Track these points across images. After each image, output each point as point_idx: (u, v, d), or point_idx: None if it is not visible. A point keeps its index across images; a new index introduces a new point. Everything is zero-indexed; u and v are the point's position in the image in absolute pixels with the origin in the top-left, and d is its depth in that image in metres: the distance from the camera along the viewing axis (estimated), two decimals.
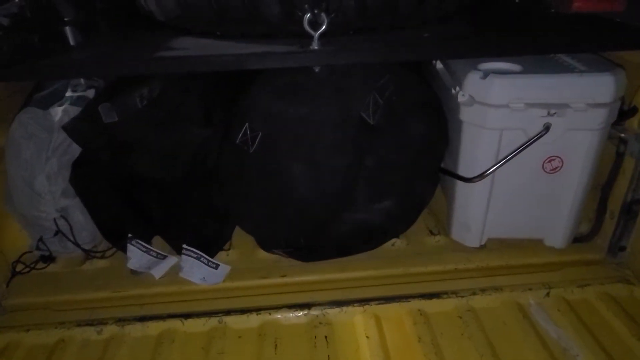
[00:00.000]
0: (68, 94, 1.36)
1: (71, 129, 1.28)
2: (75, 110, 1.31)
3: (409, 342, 1.14)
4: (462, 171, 1.31)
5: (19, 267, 1.40)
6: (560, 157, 1.25)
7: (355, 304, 1.23)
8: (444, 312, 1.22)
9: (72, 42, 1.16)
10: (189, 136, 1.30)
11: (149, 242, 1.42)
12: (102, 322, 1.22)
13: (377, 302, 1.23)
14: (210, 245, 1.40)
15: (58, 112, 1.31)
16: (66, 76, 1.34)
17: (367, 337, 1.15)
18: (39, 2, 1.08)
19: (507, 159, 1.22)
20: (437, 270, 1.36)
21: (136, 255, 1.38)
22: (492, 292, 1.25)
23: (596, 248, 1.40)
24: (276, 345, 1.15)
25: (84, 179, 1.35)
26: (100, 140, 1.29)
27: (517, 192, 1.31)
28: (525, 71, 1.20)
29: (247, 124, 1.23)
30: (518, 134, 1.21)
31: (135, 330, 1.21)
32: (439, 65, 1.46)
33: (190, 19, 1.23)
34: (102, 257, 1.44)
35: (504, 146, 1.23)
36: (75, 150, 1.34)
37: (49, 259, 1.44)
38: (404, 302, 1.23)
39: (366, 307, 1.23)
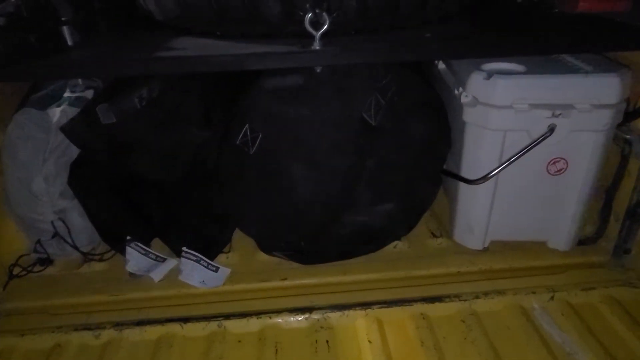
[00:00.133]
0: (66, 94, 1.35)
1: (69, 130, 1.27)
2: (73, 111, 1.30)
3: (411, 346, 1.13)
4: (465, 173, 1.30)
5: (16, 270, 1.39)
6: (564, 159, 1.24)
7: (356, 308, 1.22)
8: (447, 316, 1.21)
9: (70, 42, 1.15)
10: (189, 137, 1.29)
11: (148, 245, 1.42)
12: (100, 327, 1.20)
13: (379, 305, 1.22)
14: (210, 247, 1.39)
15: (56, 113, 1.29)
16: (64, 76, 1.32)
17: (369, 341, 1.14)
18: (36, 1, 1.07)
19: (511, 160, 1.21)
20: (439, 273, 1.35)
21: (135, 258, 1.37)
22: (496, 296, 1.24)
23: (601, 251, 1.39)
24: (277, 350, 1.14)
25: (83, 180, 1.34)
26: (99, 142, 1.29)
27: (521, 194, 1.30)
28: (529, 72, 1.19)
29: (247, 125, 1.22)
30: (522, 135, 1.20)
31: (134, 334, 1.19)
32: (441, 65, 1.46)
33: (190, 18, 1.22)
34: (100, 260, 1.43)
35: (508, 147, 1.22)
36: (74, 151, 1.33)
37: (46, 261, 1.42)
38: (406, 305, 1.22)
39: (368, 310, 1.21)
